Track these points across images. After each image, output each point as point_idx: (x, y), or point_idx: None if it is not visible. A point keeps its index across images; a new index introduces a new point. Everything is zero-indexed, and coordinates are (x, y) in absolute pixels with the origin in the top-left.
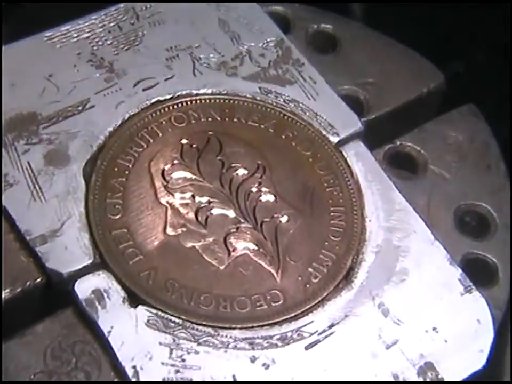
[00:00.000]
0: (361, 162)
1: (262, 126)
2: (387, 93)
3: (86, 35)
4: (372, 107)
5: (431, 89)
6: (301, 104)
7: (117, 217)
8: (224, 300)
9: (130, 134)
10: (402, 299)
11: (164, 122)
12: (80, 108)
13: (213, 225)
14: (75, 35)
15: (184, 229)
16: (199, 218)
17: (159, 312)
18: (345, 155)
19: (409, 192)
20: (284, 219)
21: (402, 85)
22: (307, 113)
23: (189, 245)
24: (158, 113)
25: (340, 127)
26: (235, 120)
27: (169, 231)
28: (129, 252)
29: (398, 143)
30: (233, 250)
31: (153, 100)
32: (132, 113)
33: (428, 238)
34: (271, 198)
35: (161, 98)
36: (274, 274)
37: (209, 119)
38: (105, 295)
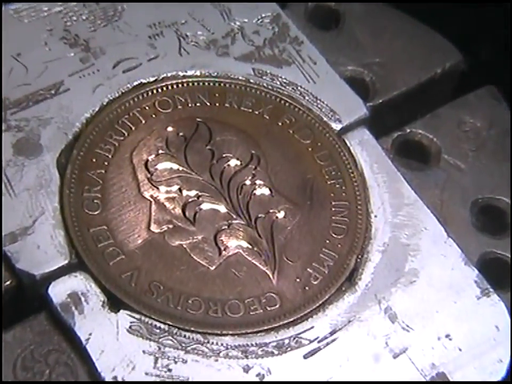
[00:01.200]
0: (367, 152)
1: (256, 112)
2: (396, 74)
3: (58, 9)
4: (379, 90)
5: (446, 69)
6: (299, 88)
7: (96, 213)
8: (214, 304)
9: (109, 121)
10: (412, 303)
11: (147, 107)
12: (53, 92)
13: (202, 221)
14: (45, 8)
15: (170, 226)
16: (187, 214)
17: (143, 317)
18: (348, 144)
19: (419, 185)
20: (281, 215)
21: (414, 65)
22: (306, 98)
23: (176, 243)
24: (141, 97)
25: (342, 113)
26: (226, 105)
27: (154, 228)
28: (109, 251)
29: (408, 130)
30: (225, 249)
31: (135, 83)
32: (111, 98)
33: (440, 236)
34: (266, 191)
35: (144, 81)
36: (270, 275)
37: (198, 104)
38: (82, 298)
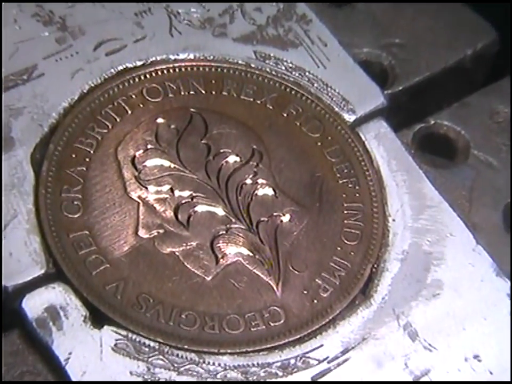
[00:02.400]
0: (384, 147)
1: (258, 101)
2: (419, 56)
3: None
4: (399, 75)
5: (477, 50)
6: (307, 73)
7: (76, 216)
8: (211, 319)
9: (91, 111)
10: (435, 319)
11: (133, 96)
12: (25, 77)
13: (197, 225)
14: None
15: (160, 231)
16: (180, 217)
17: (130, 334)
18: (363, 138)
19: (445, 185)
20: (286, 218)
21: (439, 46)
22: (315, 85)
23: (167, 250)
24: (126, 84)
25: (356, 102)
26: (224, 93)
27: (142, 233)
28: (91, 259)
29: (432, 121)
30: (223, 257)
31: (120, 68)
32: (92, 85)
33: (468, 243)
34: (269, 191)
35: (130, 66)
36: (274, 286)
37: (191, 92)
38: (61, 313)
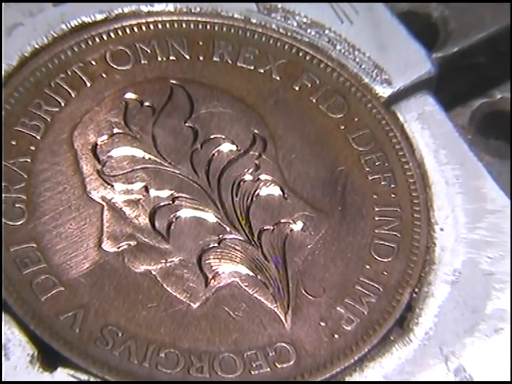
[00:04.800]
0: (430, 131)
1: (261, 71)
2: (481, 7)
3: None
4: (454, 32)
5: None
6: (327, 31)
7: (19, 223)
8: (198, 359)
9: (36, 83)
10: (496, 362)
11: (93, 62)
12: None
13: (180, 236)
14: None
15: (132, 243)
16: (157, 225)
17: (92, 378)
18: (401, 119)
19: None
20: (297, 226)
21: None
22: (338, 47)
23: (141, 268)
24: (83, 46)
25: (394, 71)
26: (215, 59)
27: (108, 246)
28: (41, 280)
29: (498, 96)
30: (214, 278)
31: (73, 23)
32: (37, 46)
33: None
34: (275, 191)
35: (88, 20)
36: (281, 316)
37: (171, 57)
38: (2, 352)
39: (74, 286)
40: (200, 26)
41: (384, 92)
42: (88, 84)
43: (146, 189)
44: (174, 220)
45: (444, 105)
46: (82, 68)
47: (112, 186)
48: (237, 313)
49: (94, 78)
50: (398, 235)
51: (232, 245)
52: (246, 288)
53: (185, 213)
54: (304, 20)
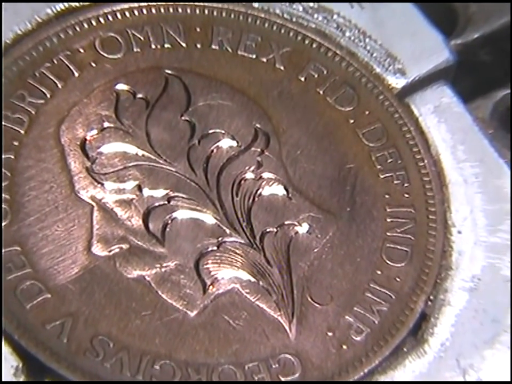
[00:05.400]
0: (447, 125)
1: (264, 60)
2: None
3: None
4: (474, 17)
5: None
6: (336, 17)
7: (2, 225)
8: (196, 371)
9: (19, 72)
10: None
11: (82, 50)
12: None
13: (176, 239)
14: None
15: (124, 246)
16: (151, 227)
17: None
18: (416, 112)
19: None
20: (303, 229)
21: None
22: (347, 34)
23: (134, 274)
24: (71, 32)
25: (408, 59)
26: (214, 47)
27: (98, 249)
28: (26, 286)
29: None
30: (212, 284)
31: (60, 7)
32: (20, 32)
33: None
34: (279, 190)
35: (75, 4)
36: (285, 326)
37: (166, 45)
38: None
39: (62, 292)
40: (197, 11)
41: (397, 82)
42: (76, 74)
43: (139, 188)
44: (169, 221)
45: (463, 97)
46: (69, 56)
47: (102, 185)
48: (237, 322)
49: (83, 67)
50: (412, 238)
51: (232, 249)
52: (247, 295)
53: (182, 214)
54: (311, 4)
